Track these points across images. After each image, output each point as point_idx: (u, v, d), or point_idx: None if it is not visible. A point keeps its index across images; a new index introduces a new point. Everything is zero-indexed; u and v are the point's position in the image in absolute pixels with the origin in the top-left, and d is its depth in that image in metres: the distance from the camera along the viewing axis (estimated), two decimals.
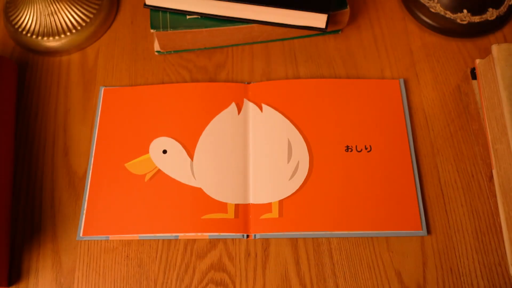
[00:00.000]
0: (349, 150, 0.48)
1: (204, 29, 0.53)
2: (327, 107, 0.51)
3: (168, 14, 0.53)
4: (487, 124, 0.46)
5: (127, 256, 0.45)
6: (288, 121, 0.50)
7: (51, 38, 0.55)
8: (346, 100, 0.51)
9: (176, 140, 0.49)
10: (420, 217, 0.45)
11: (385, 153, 0.48)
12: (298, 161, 0.48)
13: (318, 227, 0.45)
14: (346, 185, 0.47)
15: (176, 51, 0.56)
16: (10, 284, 0.45)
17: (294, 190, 0.46)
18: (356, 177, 0.47)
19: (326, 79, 0.53)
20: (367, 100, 0.51)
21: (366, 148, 0.48)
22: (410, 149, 0.49)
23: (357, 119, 0.50)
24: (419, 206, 0.46)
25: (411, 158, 0.48)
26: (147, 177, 0.48)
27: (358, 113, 0.50)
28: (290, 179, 0.47)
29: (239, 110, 0.51)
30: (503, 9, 0.55)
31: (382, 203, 0.46)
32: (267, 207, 0.46)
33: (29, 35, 0.55)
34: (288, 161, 0.48)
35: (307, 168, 0.47)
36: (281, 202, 0.46)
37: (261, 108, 0.51)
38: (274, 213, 0.45)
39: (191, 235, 0.45)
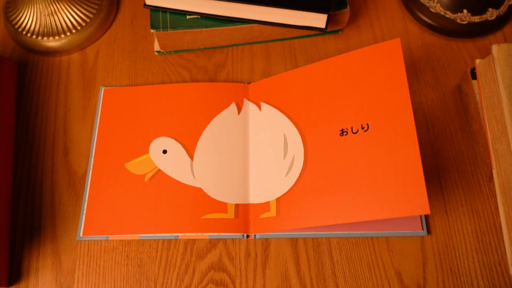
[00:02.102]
0: (344, 133, 0.44)
1: (204, 29, 0.53)
2: (320, 91, 0.47)
3: (168, 14, 0.53)
4: (487, 124, 0.46)
5: (127, 256, 0.45)
6: (284, 116, 0.48)
7: (51, 38, 0.55)
8: (340, 78, 0.46)
9: (176, 140, 0.49)
10: (420, 217, 0.45)
11: (386, 131, 0.42)
12: (294, 155, 0.46)
13: (316, 222, 0.43)
14: (342, 174, 0.42)
15: (176, 51, 0.56)
16: (10, 284, 0.45)
17: (290, 186, 0.45)
18: (353, 165, 0.42)
19: (320, 61, 0.49)
20: (362, 72, 0.45)
21: (362, 128, 0.43)
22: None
23: (351, 95, 0.45)
24: None
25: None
26: (147, 177, 0.48)
27: (352, 89, 0.45)
28: (286, 175, 0.46)
29: (239, 110, 0.51)
30: (503, 9, 0.55)
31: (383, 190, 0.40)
32: (266, 206, 0.46)
33: (29, 35, 0.55)
34: (284, 157, 0.47)
35: (302, 162, 0.45)
36: (278, 200, 0.45)
37: (260, 107, 0.50)
38: (272, 212, 0.45)
39: (191, 235, 0.45)
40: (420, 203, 0.38)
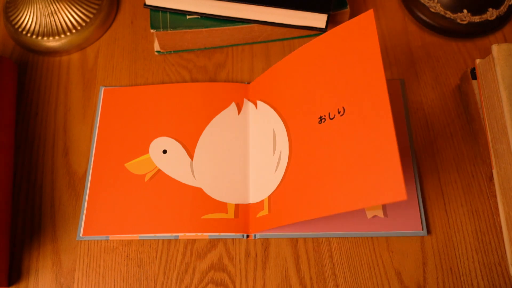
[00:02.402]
0: (322, 120, 0.41)
1: (204, 29, 0.53)
2: (300, 79, 0.45)
3: (168, 14, 0.53)
4: (487, 124, 0.46)
5: (127, 256, 0.45)
6: (273, 111, 0.48)
7: (51, 38, 0.55)
8: (317, 63, 0.43)
9: (176, 140, 0.49)
10: (420, 217, 0.45)
11: (361, 114, 0.38)
12: (281, 150, 0.45)
13: (301, 216, 0.41)
14: (322, 164, 0.40)
15: (176, 51, 0.56)
16: (10, 284, 0.45)
17: (278, 182, 0.44)
18: (332, 153, 0.39)
19: (298, 48, 0.46)
20: (336, 52, 0.42)
21: (339, 112, 0.39)
22: (410, 148, 0.48)
23: (327, 79, 0.42)
24: (419, 206, 0.46)
25: (411, 157, 0.48)
26: (147, 177, 0.48)
27: (328, 72, 0.42)
28: (275, 171, 0.45)
29: (239, 110, 0.51)
30: (503, 9, 0.55)
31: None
32: (261, 205, 0.45)
33: (29, 35, 0.55)
34: (274, 153, 0.46)
35: (287, 156, 0.44)
36: (269, 197, 0.45)
37: (256, 106, 0.50)
38: (265, 210, 0.45)
39: (191, 235, 0.45)
40: (397, 189, 0.34)
